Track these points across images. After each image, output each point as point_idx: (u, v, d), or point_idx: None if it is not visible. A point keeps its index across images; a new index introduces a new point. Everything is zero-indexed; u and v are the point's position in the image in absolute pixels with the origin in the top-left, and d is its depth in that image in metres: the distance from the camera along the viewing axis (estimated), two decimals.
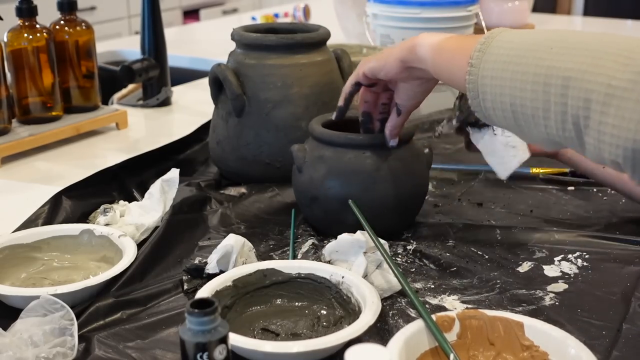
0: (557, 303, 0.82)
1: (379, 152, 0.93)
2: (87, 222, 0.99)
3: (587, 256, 0.92)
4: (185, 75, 1.87)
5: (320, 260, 0.87)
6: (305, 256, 0.92)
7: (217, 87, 1.13)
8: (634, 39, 0.65)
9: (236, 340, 0.68)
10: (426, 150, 0.98)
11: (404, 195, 0.94)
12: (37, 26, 1.26)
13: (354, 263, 0.84)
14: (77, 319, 0.74)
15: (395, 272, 0.79)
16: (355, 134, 0.94)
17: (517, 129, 0.72)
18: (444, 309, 0.80)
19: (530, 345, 0.71)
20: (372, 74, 0.87)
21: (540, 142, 0.71)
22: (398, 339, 0.68)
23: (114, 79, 1.54)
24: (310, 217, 0.99)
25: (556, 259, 0.92)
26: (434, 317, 0.72)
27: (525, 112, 0.69)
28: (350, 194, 0.92)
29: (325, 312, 0.80)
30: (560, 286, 0.85)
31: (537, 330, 0.71)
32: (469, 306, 0.81)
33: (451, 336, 0.72)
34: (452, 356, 0.68)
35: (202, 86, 1.44)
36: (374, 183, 0.92)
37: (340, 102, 0.95)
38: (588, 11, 3.98)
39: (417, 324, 0.71)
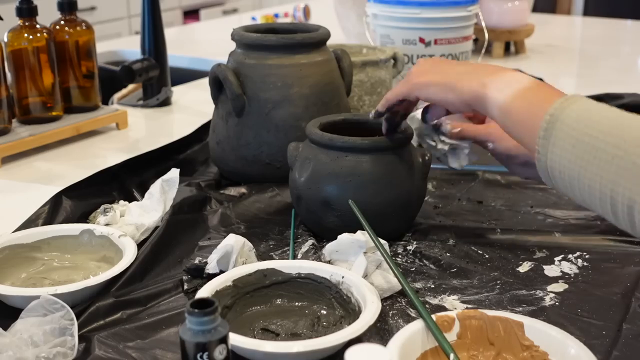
0: (557, 303, 0.82)
1: (364, 155, 0.92)
2: (87, 222, 1.00)
3: (587, 256, 0.92)
4: (185, 75, 1.87)
5: (320, 260, 0.87)
6: (305, 256, 0.92)
7: (217, 87, 1.13)
8: None
9: (236, 340, 0.68)
10: (427, 157, 0.97)
11: (389, 200, 0.93)
12: (37, 26, 1.26)
13: (354, 263, 0.84)
14: (77, 319, 0.74)
15: (395, 272, 0.79)
16: (341, 137, 0.93)
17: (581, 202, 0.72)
18: (444, 309, 0.80)
19: (530, 345, 0.71)
20: (428, 100, 0.85)
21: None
22: (398, 339, 0.68)
23: (114, 79, 1.55)
24: (299, 214, 1.00)
25: (556, 259, 0.92)
26: (434, 317, 0.72)
27: (596, 209, 0.70)
28: (332, 196, 0.92)
29: (325, 312, 0.80)
30: (561, 286, 0.85)
31: (537, 330, 0.71)
32: (469, 306, 0.81)
33: (451, 336, 0.72)
34: (452, 356, 0.68)
35: (202, 86, 1.44)
36: (366, 186, 0.92)
37: (381, 108, 0.91)
38: (588, 11, 3.98)
39: (417, 324, 0.71)
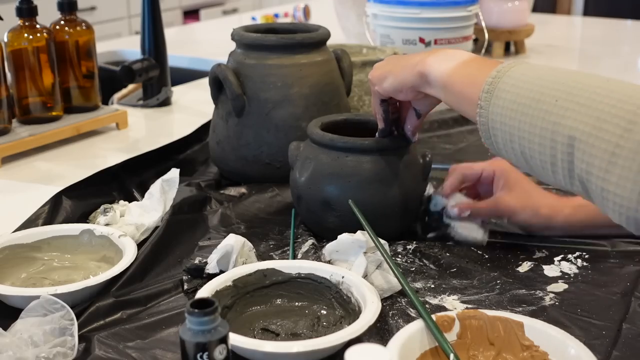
0: (557, 303, 0.82)
1: (365, 156, 0.93)
2: (87, 222, 0.99)
3: (587, 256, 0.92)
4: (185, 75, 1.87)
5: (320, 260, 0.87)
6: (305, 256, 0.92)
7: (217, 87, 1.13)
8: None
9: (236, 340, 0.68)
10: (427, 158, 0.97)
11: (389, 200, 0.93)
12: (37, 26, 1.26)
13: (354, 263, 0.84)
14: (77, 319, 0.74)
15: (395, 272, 0.79)
16: (342, 137, 0.94)
17: (530, 171, 0.73)
18: (444, 309, 0.80)
19: (530, 345, 0.71)
20: (389, 95, 0.87)
21: (551, 186, 0.72)
22: (398, 339, 0.68)
23: (114, 79, 1.54)
24: (299, 214, 1.00)
25: (556, 259, 0.92)
26: (434, 317, 0.72)
27: (535, 162, 0.70)
28: (332, 196, 0.92)
29: (325, 312, 0.80)
30: (560, 286, 0.85)
31: (537, 330, 0.71)
32: (469, 306, 0.81)
33: (451, 336, 0.73)
34: (452, 356, 0.68)
35: (202, 86, 1.44)
36: (366, 187, 0.92)
37: (380, 125, 0.92)
38: (588, 11, 3.98)
39: (417, 324, 0.71)
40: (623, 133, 0.62)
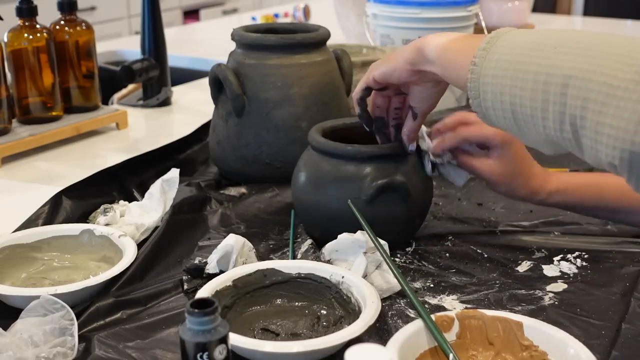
0: (556, 303, 0.82)
1: (367, 163, 0.90)
2: (87, 222, 1.00)
3: (586, 256, 0.92)
4: (185, 75, 1.87)
5: (320, 260, 0.87)
6: (305, 256, 0.92)
7: (217, 87, 1.13)
8: None
9: (236, 340, 0.68)
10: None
11: (393, 209, 0.91)
12: (37, 26, 1.26)
13: (354, 263, 0.84)
14: (77, 319, 0.74)
15: (395, 272, 0.79)
16: (344, 145, 0.91)
17: (516, 129, 0.71)
18: (443, 308, 0.81)
19: (530, 345, 0.71)
20: (383, 79, 0.85)
21: (539, 143, 0.70)
22: (397, 339, 0.69)
23: (114, 79, 1.54)
24: (300, 220, 0.98)
25: (555, 258, 0.92)
26: (433, 317, 0.72)
27: (525, 111, 0.68)
28: (334, 204, 0.90)
29: (325, 312, 0.80)
30: (560, 286, 0.85)
31: (537, 330, 0.72)
32: (468, 306, 0.81)
33: (450, 336, 0.73)
34: (451, 356, 0.68)
35: (202, 86, 1.44)
36: (367, 194, 0.90)
37: (358, 111, 0.91)
38: (588, 11, 3.98)
39: (417, 324, 0.71)
40: (623, 67, 0.61)
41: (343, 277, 0.80)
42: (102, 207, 1.00)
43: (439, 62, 0.78)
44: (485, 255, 0.93)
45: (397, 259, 0.91)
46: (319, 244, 0.93)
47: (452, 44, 0.77)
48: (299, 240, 0.96)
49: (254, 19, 2.58)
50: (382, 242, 0.84)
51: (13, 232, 0.93)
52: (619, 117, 0.61)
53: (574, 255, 0.92)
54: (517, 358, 0.72)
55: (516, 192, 0.95)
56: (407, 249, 0.94)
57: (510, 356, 0.72)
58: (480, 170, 0.94)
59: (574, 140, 0.65)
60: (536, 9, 2.32)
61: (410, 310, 0.80)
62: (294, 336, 0.76)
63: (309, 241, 0.94)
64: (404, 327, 0.71)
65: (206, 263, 0.86)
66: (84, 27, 1.34)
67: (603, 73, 0.62)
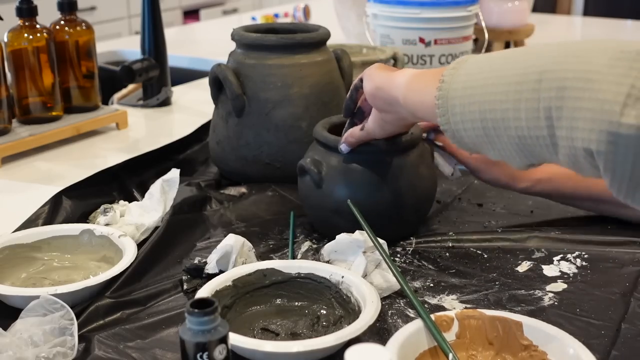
0: (556, 303, 0.82)
1: (373, 158, 0.92)
2: (87, 222, 1.00)
3: (586, 256, 0.92)
4: (185, 75, 1.87)
5: (319, 261, 0.87)
6: (304, 256, 0.92)
7: (217, 87, 1.13)
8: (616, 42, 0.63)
9: (236, 340, 0.68)
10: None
11: (396, 202, 0.92)
12: (37, 26, 1.26)
13: (354, 263, 0.84)
14: (77, 318, 0.74)
15: (394, 271, 0.79)
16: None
17: (486, 140, 0.68)
18: (443, 308, 0.81)
19: (529, 345, 0.71)
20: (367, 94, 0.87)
21: (510, 153, 0.68)
22: (397, 339, 0.69)
23: (114, 79, 1.55)
24: (309, 217, 0.99)
25: (555, 258, 0.92)
26: (432, 316, 0.72)
27: (495, 116, 0.66)
28: (341, 199, 0.91)
29: (325, 312, 0.80)
30: (559, 286, 0.85)
31: (536, 330, 0.72)
32: (468, 306, 0.81)
33: (450, 336, 0.73)
34: (450, 356, 0.68)
35: (202, 86, 1.44)
36: (373, 190, 0.91)
37: (347, 96, 0.94)
38: (588, 11, 3.98)
39: (416, 324, 0.71)
40: (597, 55, 0.60)
41: (343, 277, 0.80)
42: (102, 207, 1.00)
43: (403, 100, 0.78)
44: (485, 255, 0.93)
45: (397, 259, 0.91)
46: (324, 237, 0.94)
47: (415, 78, 0.77)
48: (299, 240, 0.96)
49: (254, 19, 2.58)
50: (381, 241, 0.84)
51: (13, 232, 0.93)
52: (594, 99, 0.59)
53: (574, 255, 0.92)
54: (516, 358, 0.72)
55: (499, 179, 0.98)
56: (408, 249, 0.94)
57: (510, 356, 0.72)
58: (462, 156, 0.97)
59: (549, 137, 0.63)
60: (536, 9, 2.32)
61: (410, 310, 0.80)
62: (294, 336, 0.76)
63: (309, 242, 0.95)
64: (403, 326, 0.71)
65: (206, 263, 0.86)
66: (84, 27, 1.34)
67: (579, 62, 0.61)
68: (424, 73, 0.77)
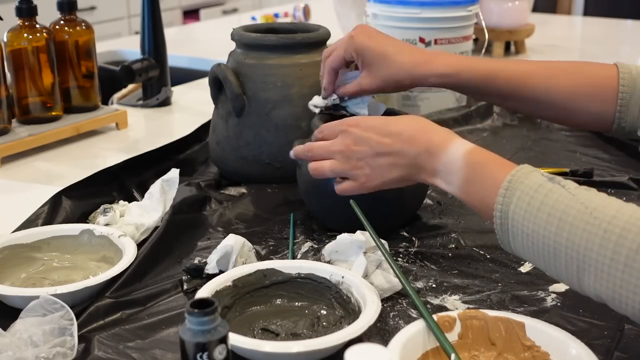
0: (558, 303, 0.82)
1: None
2: (87, 222, 0.99)
3: None
4: (185, 75, 1.87)
5: (320, 261, 0.87)
6: (304, 256, 0.92)
7: (217, 87, 1.13)
8: None
9: (236, 340, 0.68)
10: None
11: (401, 191, 0.92)
12: (37, 26, 1.26)
13: (354, 263, 0.84)
14: (77, 319, 0.74)
15: (396, 271, 0.79)
16: None
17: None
18: (445, 309, 0.80)
19: (532, 346, 0.71)
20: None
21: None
22: (399, 339, 0.68)
23: (114, 79, 1.54)
24: (312, 211, 1.00)
25: None
26: (435, 317, 0.72)
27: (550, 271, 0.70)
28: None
29: (325, 312, 0.80)
30: (562, 286, 0.85)
31: (539, 331, 0.71)
32: (471, 306, 0.81)
33: (452, 336, 0.72)
34: (453, 356, 0.68)
35: (202, 86, 1.44)
36: None
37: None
38: (588, 11, 3.98)
39: (418, 324, 0.71)
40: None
41: (343, 277, 0.80)
42: (102, 207, 1.00)
43: (461, 179, 0.78)
44: (488, 256, 0.92)
45: (399, 259, 0.91)
46: (324, 235, 0.95)
47: (465, 192, 0.78)
48: (299, 240, 0.96)
49: (254, 18, 2.58)
50: (383, 241, 0.83)
51: (13, 232, 0.93)
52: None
53: None
54: (519, 358, 0.71)
55: (399, 69, 0.96)
56: (410, 249, 0.94)
57: (512, 356, 0.72)
58: (363, 85, 0.98)
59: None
60: (536, 9, 2.32)
61: (412, 311, 0.80)
62: (294, 336, 0.76)
63: (309, 242, 0.94)
64: (405, 327, 0.71)
65: (206, 263, 0.86)
66: (83, 27, 1.34)
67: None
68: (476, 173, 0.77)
